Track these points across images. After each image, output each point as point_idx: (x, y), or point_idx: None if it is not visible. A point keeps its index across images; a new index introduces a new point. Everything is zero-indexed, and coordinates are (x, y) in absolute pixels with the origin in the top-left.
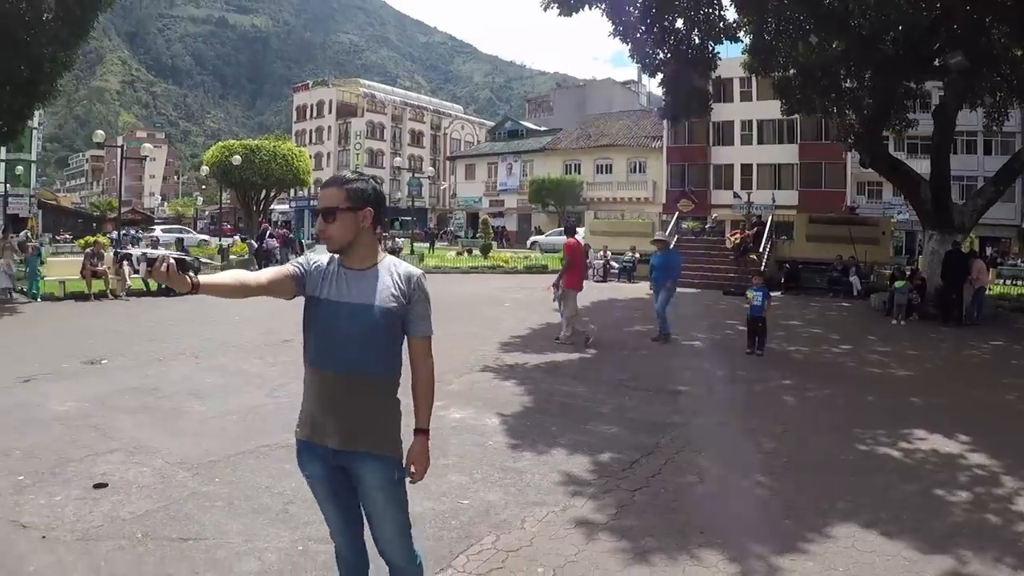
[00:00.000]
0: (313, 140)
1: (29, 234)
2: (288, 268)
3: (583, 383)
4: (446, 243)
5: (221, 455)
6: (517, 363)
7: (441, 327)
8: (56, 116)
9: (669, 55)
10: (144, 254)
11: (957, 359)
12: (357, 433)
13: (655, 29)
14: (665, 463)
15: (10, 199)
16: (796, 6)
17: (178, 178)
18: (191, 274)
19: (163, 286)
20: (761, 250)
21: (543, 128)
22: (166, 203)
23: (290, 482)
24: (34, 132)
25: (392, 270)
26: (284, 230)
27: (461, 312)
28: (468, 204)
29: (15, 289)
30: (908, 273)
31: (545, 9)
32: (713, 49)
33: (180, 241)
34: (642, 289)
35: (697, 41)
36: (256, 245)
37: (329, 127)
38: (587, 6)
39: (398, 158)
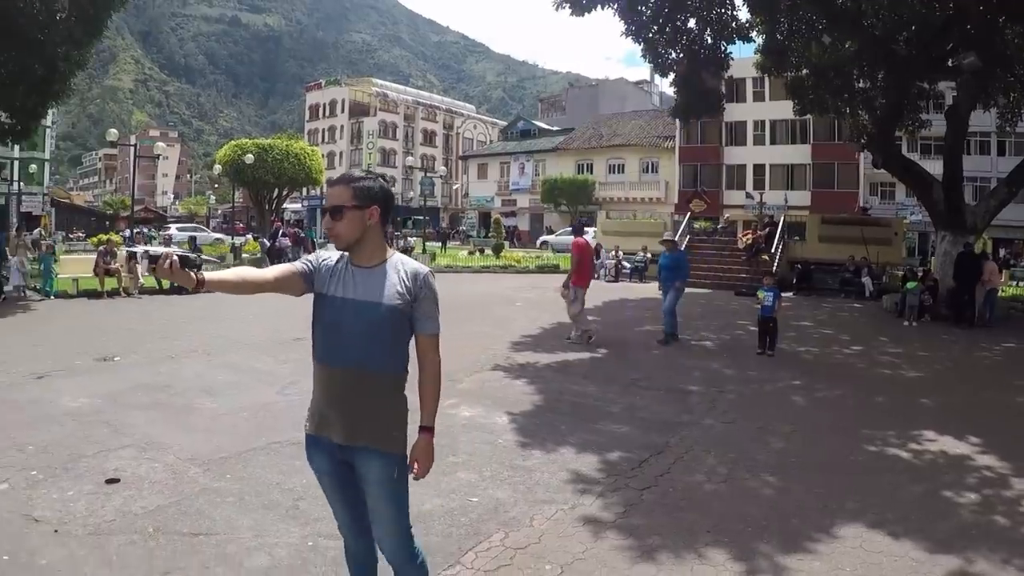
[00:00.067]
0: (325, 139)
1: (43, 232)
2: (296, 265)
3: (593, 382)
4: (458, 242)
5: (232, 451)
6: (528, 362)
7: (453, 326)
8: (69, 115)
9: (681, 55)
10: (146, 251)
11: (968, 361)
12: (359, 428)
13: (667, 29)
14: (674, 462)
15: (24, 197)
16: (809, 6)
17: (191, 177)
18: (196, 270)
19: (175, 284)
20: (773, 251)
21: (555, 128)
22: (179, 202)
23: (300, 478)
24: (47, 131)
25: (399, 268)
26: (296, 229)
27: (473, 311)
28: (480, 204)
29: (28, 286)
30: (920, 274)
31: (557, 9)
32: (726, 49)
33: (193, 240)
34: (654, 289)
35: (710, 41)
36: (268, 244)
37: (341, 126)
38: (599, 6)
39: (410, 157)
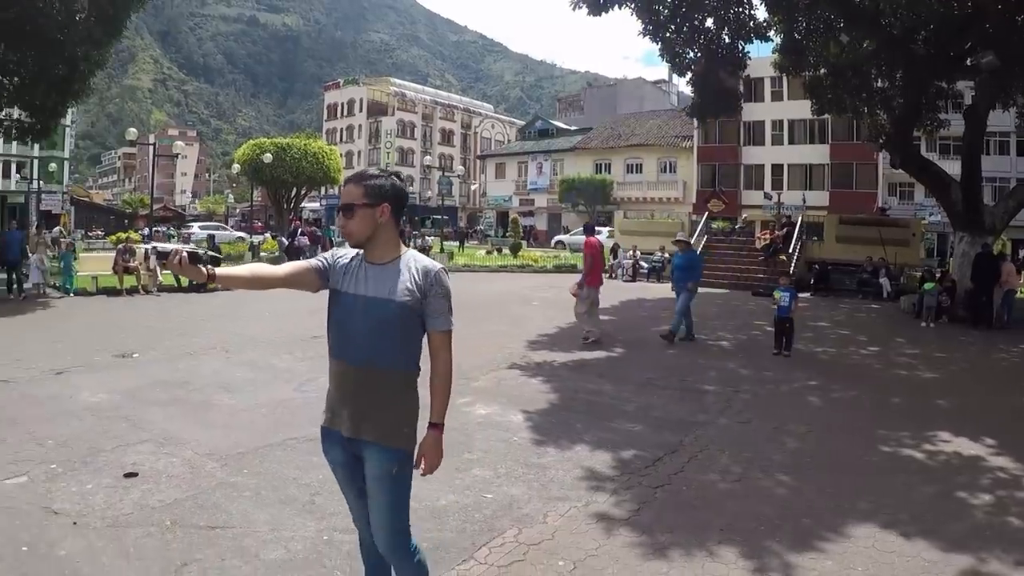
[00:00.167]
0: (344, 138)
1: (62, 230)
2: (311, 262)
3: (609, 381)
4: (476, 242)
5: (249, 447)
6: (544, 361)
7: (470, 325)
8: (89, 114)
9: (699, 54)
10: (154, 247)
11: (985, 362)
12: (365, 422)
13: (685, 28)
14: (688, 461)
15: (43, 196)
16: (827, 5)
17: (209, 176)
18: (208, 266)
19: (193, 282)
20: (791, 251)
21: (573, 127)
22: (197, 200)
23: (317, 474)
24: (67, 130)
25: (411, 264)
26: (313, 228)
27: (490, 310)
28: (498, 203)
29: (48, 284)
30: (938, 275)
31: (574, 9)
32: (743, 48)
33: (211, 238)
34: (671, 289)
35: (727, 40)
36: (287, 242)
37: (360, 125)
38: (616, 6)
39: (428, 157)
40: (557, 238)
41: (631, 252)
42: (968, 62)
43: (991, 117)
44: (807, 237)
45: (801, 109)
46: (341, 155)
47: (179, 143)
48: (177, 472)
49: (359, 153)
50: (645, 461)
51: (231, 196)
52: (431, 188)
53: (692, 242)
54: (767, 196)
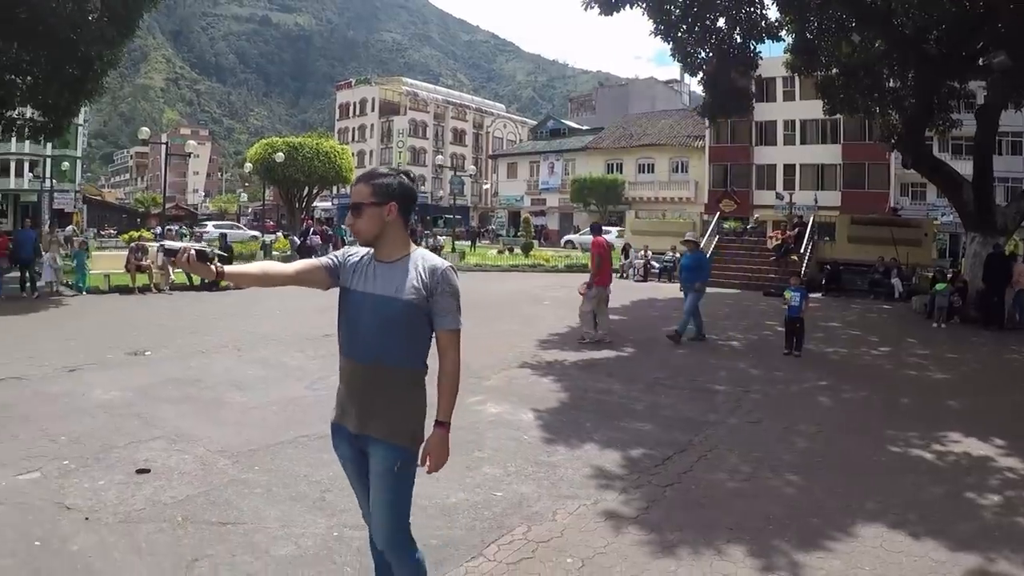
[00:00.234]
0: (356, 138)
1: (75, 229)
2: (321, 260)
3: (619, 380)
4: (488, 241)
5: (261, 444)
6: (555, 360)
7: (481, 324)
8: (101, 113)
9: (710, 54)
10: (162, 245)
11: (996, 363)
12: (370, 419)
13: (696, 28)
14: (697, 460)
15: (56, 194)
16: (839, 5)
17: (221, 175)
18: (217, 263)
19: (205, 280)
20: (802, 251)
21: (585, 127)
22: (209, 199)
23: (328, 471)
24: (79, 129)
25: (419, 263)
26: (324, 227)
27: (501, 310)
28: (510, 203)
29: (61, 282)
30: (949, 276)
31: (586, 9)
32: (755, 48)
33: (224, 236)
34: None
35: (739, 40)
36: (299, 241)
37: (372, 125)
38: (628, 5)
39: (440, 156)
40: (567, 237)
41: (642, 252)
42: (980, 62)
43: (1003, 117)
44: (819, 237)
45: (813, 109)
46: (353, 154)
47: (191, 142)
48: (189, 469)
49: (371, 152)
50: (654, 460)
51: (243, 195)
52: (443, 188)
53: (703, 243)
54: (779, 196)
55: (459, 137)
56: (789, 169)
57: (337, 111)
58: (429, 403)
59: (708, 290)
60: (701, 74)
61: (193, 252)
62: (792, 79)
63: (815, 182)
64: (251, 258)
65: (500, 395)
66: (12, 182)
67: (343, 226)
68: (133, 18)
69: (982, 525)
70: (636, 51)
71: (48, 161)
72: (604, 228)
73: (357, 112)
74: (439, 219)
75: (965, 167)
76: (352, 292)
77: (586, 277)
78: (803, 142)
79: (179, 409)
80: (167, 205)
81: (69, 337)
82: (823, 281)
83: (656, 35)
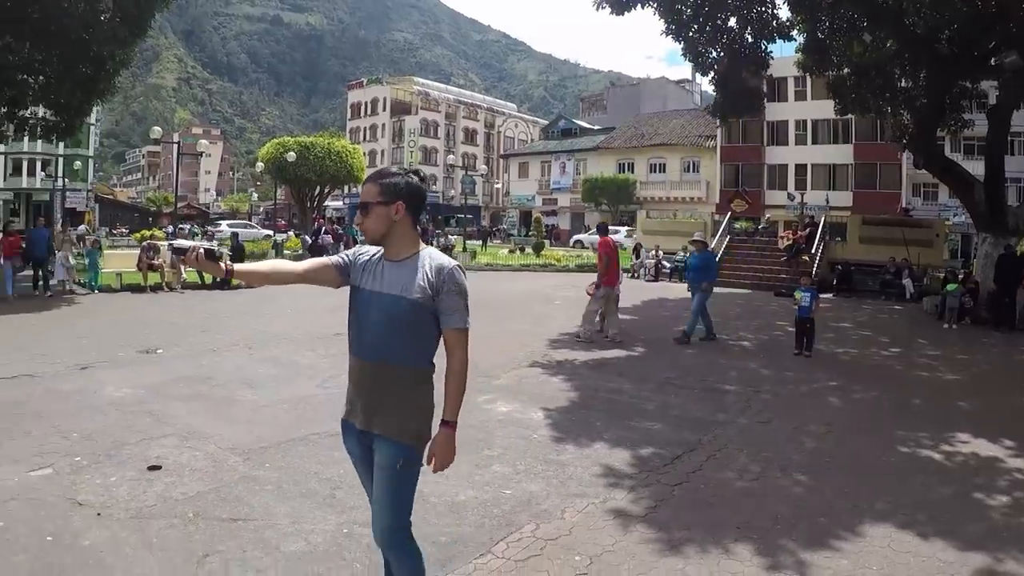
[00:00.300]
0: (367, 137)
1: (88, 228)
2: (331, 258)
3: (629, 380)
4: (499, 241)
5: (272, 441)
6: (565, 359)
7: (492, 324)
8: (113, 112)
9: (722, 54)
10: (170, 244)
11: (1007, 364)
12: (376, 416)
13: (708, 27)
14: (706, 460)
15: (68, 193)
16: (850, 4)
17: (233, 174)
18: (227, 261)
19: (217, 279)
20: (814, 251)
21: (597, 127)
22: (221, 199)
23: (338, 469)
24: (91, 128)
25: (427, 262)
26: (336, 226)
27: (512, 309)
28: (521, 202)
29: (74, 281)
30: (960, 276)
31: (597, 8)
32: (766, 48)
33: (235, 236)
34: None
35: (750, 40)
36: (310, 240)
37: (383, 124)
38: (639, 5)
39: (452, 156)
40: (575, 237)
41: (653, 252)
42: (992, 62)
43: (1015, 117)
44: (830, 237)
45: (825, 109)
46: (364, 154)
47: (203, 141)
48: (200, 466)
49: (382, 152)
50: (663, 459)
51: (255, 194)
52: (454, 187)
53: (713, 243)
54: (790, 196)
55: (470, 137)
56: (801, 169)
57: (348, 111)
58: (437, 402)
59: (719, 290)
60: (712, 74)
61: (202, 251)
62: (804, 79)
63: (827, 182)
64: (263, 257)
65: (510, 394)
66: (24, 181)
67: (354, 225)
68: (145, 18)
69: (991, 526)
70: (648, 51)
71: (60, 160)
72: (612, 228)
73: (368, 112)
74: (451, 219)
75: (977, 167)
76: (361, 291)
77: (596, 277)
78: (815, 142)
79: (190, 407)
80: (179, 204)
81: (81, 335)
82: (834, 281)
83: (667, 35)
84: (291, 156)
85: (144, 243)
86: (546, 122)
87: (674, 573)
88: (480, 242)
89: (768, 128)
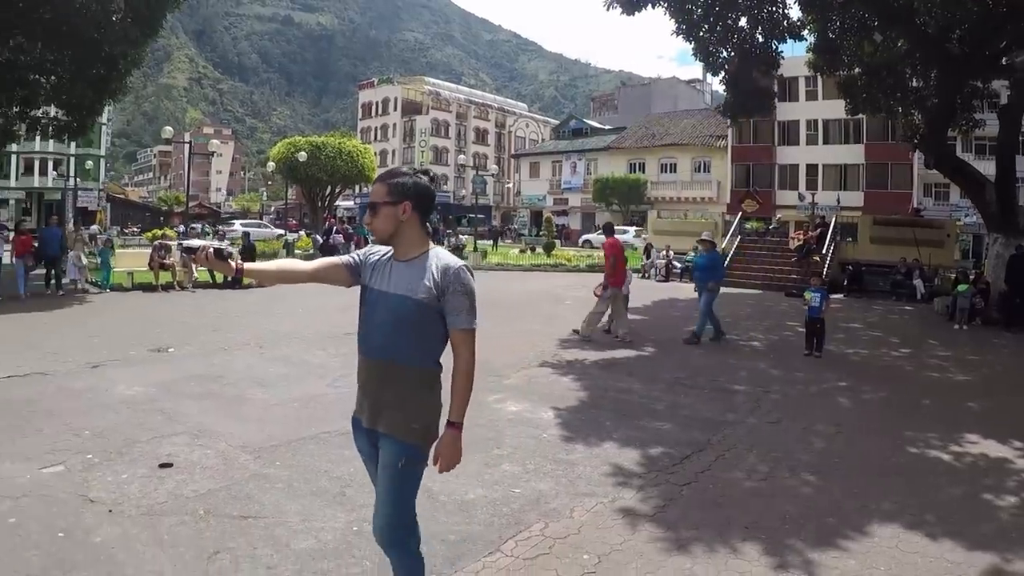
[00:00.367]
0: (378, 137)
1: (99, 228)
2: (342, 258)
3: (639, 380)
4: (510, 241)
5: (282, 440)
6: (575, 359)
7: (503, 324)
8: (124, 112)
9: (733, 53)
10: (179, 244)
11: (1018, 365)
12: (380, 415)
13: (718, 27)
14: (715, 459)
15: (79, 193)
16: (860, 4)
17: (244, 174)
18: (237, 259)
19: (228, 278)
20: (824, 252)
21: (607, 127)
22: (232, 198)
23: (348, 467)
24: (103, 128)
25: (434, 262)
26: (347, 225)
27: (523, 309)
28: (532, 202)
29: (86, 280)
30: (971, 277)
31: (608, 8)
32: (777, 48)
33: (247, 235)
34: None
35: (761, 39)
36: (322, 240)
37: (394, 124)
38: (650, 5)
39: (463, 156)
40: (584, 237)
41: (664, 252)
42: (1003, 61)
43: None
44: (841, 238)
45: (836, 109)
46: (375, 154)
47: (214, 141)
48: (211, 463)
49: (393, 152)
50: (672, 459)
51: (266, 194)
52: (465, 187)
53: (724, 243)
54: (801, 197)
55: (481, 136)
56: (811, 169)
57: (359, 110)
58: (445, 402)
59: (731, 291)
60: (723, 73)
61: (211, 250)
62: (814, 79)
63: (837, 182)
64: (273, 256)
65: (520, 393)
66: (36, 180)
67: (363, 224)
68: (157, 18)
69: (999, 526)
70: (658, 50)
71: (72, 160)
72: (621, 228)
73: (379, 111)
74: (462, 219)
75: (988, 167)
76: (370, 290)
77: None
78: (826, 142)
79: (201, 405)
80: (190, 204)
81: (93, 334)
82: (845, 282)
83: (678, 34)
84: (302, 156)
85: (155, 242)
86: (557, 122)
87: (682, 572)
88: (491, 242)
89: (779, 128)
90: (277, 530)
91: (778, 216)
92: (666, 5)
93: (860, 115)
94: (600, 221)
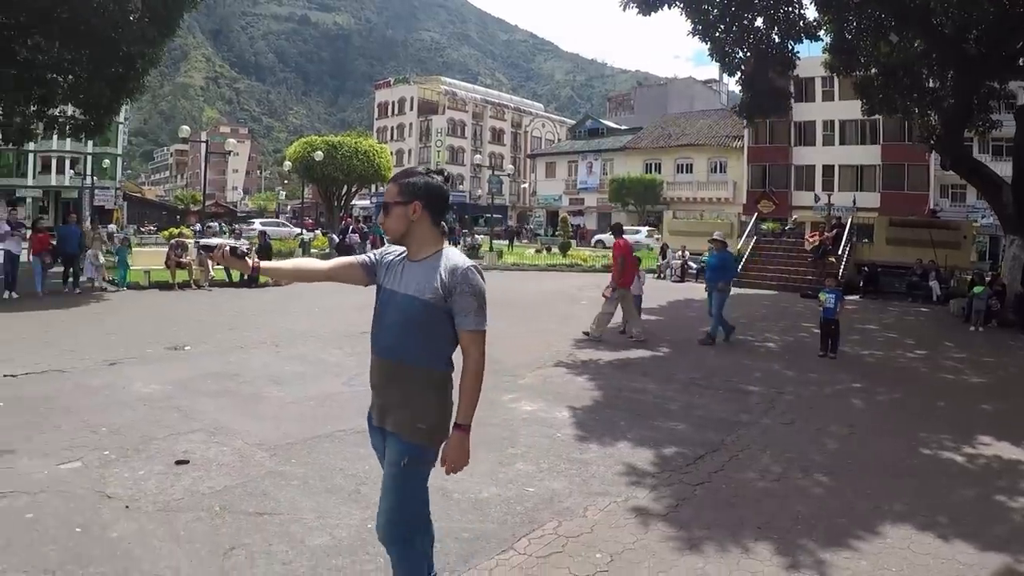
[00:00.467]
0: (394, 137)
1: (116, 226)
2: (358, 257)
3: (653, 380)
4: (526, 241)
5: (298, 438)
6: (590, 359)
7: (518, 323)
8: (141, 111)
9: (748, 54)
10: (196, 242)
11: None
12: (387, 413)
13: (734, 28)
14: (729, 460)
15: (96, 191)
16: (877, 4)
17: (260, 173)
18: (254, 257)
19: (244, 276)
20: (840, 253)
21: (624, 127)
22: (248, 197)
23: (363, 465)
24: (120, 127)
25: (443, 262)
26: (363, 225)
27: (538, 309)
28: (548, 202)
29: (103, 278)
30: (988, 279)
31: (624, 8)
32: (793, 48)
33: (263, 235)
34: None
35: (777, 40)
36: (338, 239)
37: (410, 124)
38: (666, 5)
39: (479, 155)
40: (597, 237)
41: (680, 252)
42: (1020, 62)
43: None
44: (857, 239)
45: (852, 109)
46: (391, 153)
47: (231, 140)
48: (227, 461)
49: (409, 151)
50: (686, 459)
51: (282, 193)
52: (481, 187)
53: (740, 243)
54: (817, 198)
55: (497, 136)
56: (828, 170)
57: (376, 110)
58: (455, 403)
59: (747, 291)
60: (739, 74)
61: (228, 248)
62: (831, 79)
63: (854, 183)
64: (289, 255)
65: (535, 393)
66: (54, 179)
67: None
68: (174, 17)
69: (1012, 528)
70: (675, 51)
71: (89, 158)
72: (635, 228)
73: (396, 111)
74: (479, 218)
75: (1005, 168)
76: (383, 290)
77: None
78: (842, 143)
79: (218, 403)
80: (206, 202)
81: (110, 332)
82: (861, 283)
83: (694, 35)
84: (318, 155)
85: (172, 241)
86: (573, 122)
87: (694, 571)
88: (507, 242)
89: (795, 128)
90: (292, 527)
91: (794, 217)
92: (682, 5)
93: (876, 116)
94: (616, 221)
